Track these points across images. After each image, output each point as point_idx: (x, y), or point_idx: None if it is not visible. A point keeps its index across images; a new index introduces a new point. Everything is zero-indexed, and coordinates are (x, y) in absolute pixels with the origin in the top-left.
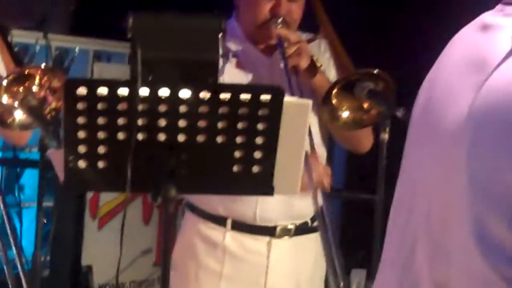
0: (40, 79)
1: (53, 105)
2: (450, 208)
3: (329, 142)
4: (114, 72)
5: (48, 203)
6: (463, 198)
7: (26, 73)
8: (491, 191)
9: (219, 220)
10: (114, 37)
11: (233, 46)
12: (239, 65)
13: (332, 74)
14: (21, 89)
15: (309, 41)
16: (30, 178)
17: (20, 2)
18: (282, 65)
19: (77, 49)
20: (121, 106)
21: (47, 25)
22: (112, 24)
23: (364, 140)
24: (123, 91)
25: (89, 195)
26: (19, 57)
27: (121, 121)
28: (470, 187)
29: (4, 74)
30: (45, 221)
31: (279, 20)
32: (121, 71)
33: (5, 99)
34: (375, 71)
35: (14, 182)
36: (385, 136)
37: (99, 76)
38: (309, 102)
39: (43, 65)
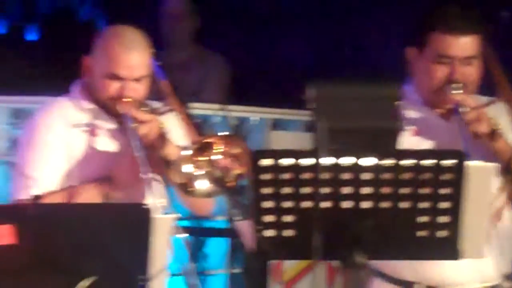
0: (221, 147)
1: (236, 171)
2: None
3: None
4: (290, 139)
5: (232, 270)
6: None
7: (207, 142)
8: None
9: (407, 285)
10: (291, 106)
11: (409, 112)
12: (417, 133)
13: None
14: (203, 158)
15: (487, 104)
16: (213, 246)
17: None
18: (461, 131)
19: (255, 119)
20: (305, 176)
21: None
22: (289, 93)
23: None
24: (307, 161)
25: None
26: (199, 128)
27: (305, 190)
28: None
29: (186, 144)
30: None
31: (455, 86)
32: (297, 139)
33: (189, 168)
34: None
35: (197, 250)
36: None
37: (276, 144)
38: (493, 165)
39: (222, 133)
